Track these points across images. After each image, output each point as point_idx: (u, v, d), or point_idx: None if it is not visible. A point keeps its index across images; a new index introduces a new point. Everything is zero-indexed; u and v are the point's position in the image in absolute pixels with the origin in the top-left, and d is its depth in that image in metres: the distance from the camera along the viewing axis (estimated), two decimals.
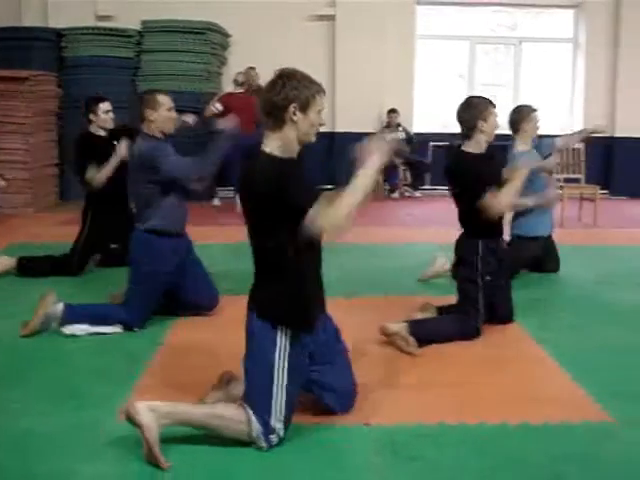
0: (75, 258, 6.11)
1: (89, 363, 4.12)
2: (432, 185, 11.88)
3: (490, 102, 4.69)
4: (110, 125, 6.28)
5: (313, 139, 3.10)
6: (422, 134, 11.77)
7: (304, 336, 3.11)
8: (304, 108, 2.97)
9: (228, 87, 10.92)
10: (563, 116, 12.43)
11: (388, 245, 7.57)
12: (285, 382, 3.03)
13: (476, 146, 4.65)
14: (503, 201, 4.51)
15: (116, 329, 4.59)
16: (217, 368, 3.90)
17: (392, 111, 11.37)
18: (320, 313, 3.27)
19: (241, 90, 10.15)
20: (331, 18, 11.64)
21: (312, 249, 3.10)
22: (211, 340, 4.44)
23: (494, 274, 4.56)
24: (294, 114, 2.96)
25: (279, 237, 2.98)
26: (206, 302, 5.04)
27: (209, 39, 10.82)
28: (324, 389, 3.27)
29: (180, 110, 10.06)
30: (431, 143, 11.75)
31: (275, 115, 2.98)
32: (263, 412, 3.00)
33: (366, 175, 2.97)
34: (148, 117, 4.80)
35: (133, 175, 4.84)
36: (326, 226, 2.89)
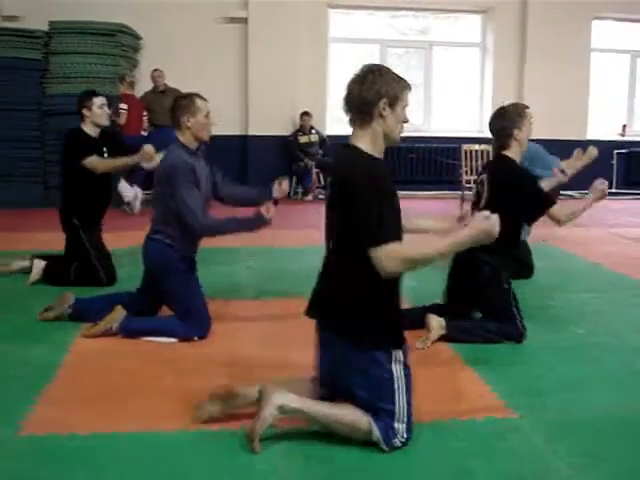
0: (101, 271, 5.82)
1: None
2: None
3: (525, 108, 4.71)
4: (106, 122, 5.94)
5: (398, 138, 3.08)
6: (335, 137, 11.84)
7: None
8: (393, 103, 2.96)
9: (139, 90, 10.80)
10: (473, 119, 12.72)
11: (301, 248, 7.58)
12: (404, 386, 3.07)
13: (516, 156, 4.63)
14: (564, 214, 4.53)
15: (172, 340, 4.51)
16: (128, 376, 3.90)
17: (305, 114, 11.43)
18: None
19: (131, 91, 10.11)
20: (243, 21, 11.62)
21: None
22: (120, 346, 4.39)
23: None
24: (384, 109, 2.95)
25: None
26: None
27: (120, 41, 10.66)
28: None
29: None
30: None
31: (365, 111, 2.96)
32: (386, 417, 3.04)
33: (453, 245, 2.95)
34: (184, 123, 4.53)
35: (158, 185, 4.60)
36: (393, 269, 2.88)
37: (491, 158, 4.73)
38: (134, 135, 9.70)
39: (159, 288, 4.63)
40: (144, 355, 4.26)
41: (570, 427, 3.36)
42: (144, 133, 10.28)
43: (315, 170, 11.57)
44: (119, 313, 4.56)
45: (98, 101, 5.85)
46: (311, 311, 3.23)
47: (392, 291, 3.05)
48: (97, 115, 5.83)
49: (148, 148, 5.82)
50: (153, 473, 2.92)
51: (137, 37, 11.22)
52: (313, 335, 3.24)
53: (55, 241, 6.14)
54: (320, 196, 11.73)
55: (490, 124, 4.72)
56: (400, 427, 3.07)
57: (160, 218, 4.58)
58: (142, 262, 4.70)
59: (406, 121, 3.07)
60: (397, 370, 3.06)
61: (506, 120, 4.62)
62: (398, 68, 11.27)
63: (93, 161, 5.78)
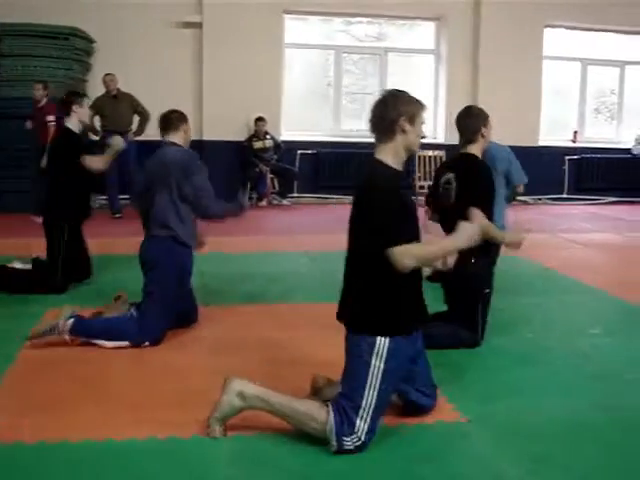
0: (58, 275, 5.81)
1: None
2: (300, 193, 12.00)
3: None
4: (87, 121, 6.28)
5: (417, 149, 3.52)
6: (290, 142, 11.87)
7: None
8: (412, 120, 3.35)
9: (93, 94, 10.68)
10: (427, 124, 12.78)
11: (256, 254, 7.58)
12: (379, 384, 3.15)
13: (478, 152, 4.75)
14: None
15: (121, 343, 4.48)
16: (77, 384, 3.86)
17: (259, 119, 11.41)
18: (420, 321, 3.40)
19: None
20: (198, 25, 11.58)
21: None
22: (68, 355, 4.34)
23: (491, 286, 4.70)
24: (405, 125, 3.31)
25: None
26: (193, 316, 5.01)
27: (72, 44, 10.55)
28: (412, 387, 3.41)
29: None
30: (299, 151, 11.87)
31: (387, 127, 3.32)
32: (349, 409, 3.12)
33: (453, 246, 3.36)
34: (183, 130, 4.91)
35: (158, 182, 4.71)
36: (406, 264, 3.13)
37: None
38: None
39: (147, 279, 4.70)
40: (93, 363, 4.21)
41: (519, 431, 3.40)
42: (95, 138, 10.14)
43: (270, 176, 11.55)
44: (66, 310, 4.52)
45: (85, 100, 6.17)
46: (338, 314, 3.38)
47: (400, 283, 3.23)
48: (84, 113, 6.11)
49: (116, 139, 6.15)
50: None
51: (90, 40, 11.10)
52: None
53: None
54: (274, 202, 11.74)
55: (459, 121, 4.80)
56: (361, 426, 3.10)
57: (161, 214, 4.67)
58: (140, 263, 4.73)
59: (424, 136, 3.51)
60: (375, 365, 3.13)
61: (475, 117, 4.77)
62: (353, 74, 11.30)
63: (94, 159, 5.98)
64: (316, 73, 13.10)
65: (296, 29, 12.61)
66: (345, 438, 3.09)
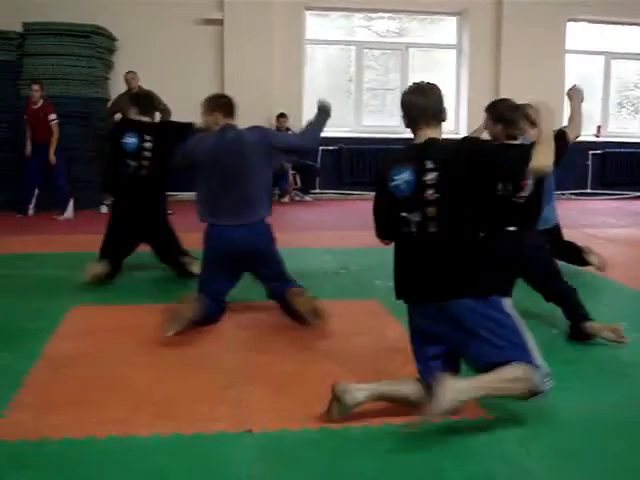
0: None
1: None
2: (322, 189, 12.00)
3: None
4: None
5: None
6: None
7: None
8: None
9: (115, 92, 10.74)
10: (449, 120, 12.72)
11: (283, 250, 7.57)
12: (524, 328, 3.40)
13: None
14: None
15: None
16: (101, 381, 3.88)
17: (281, 115, 11.42)
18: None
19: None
20: (219, 22, 11.60)
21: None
22: (92, 352, 4.36)
23: None
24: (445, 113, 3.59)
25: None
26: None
27: (95, 42, 10.61)
28: None
29: (65, 115, 10.00)
30: (321, 147, 11.85)
31: (441, 115, 3.54)
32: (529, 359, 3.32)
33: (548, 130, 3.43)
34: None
35: (252, 163, 4.78)
36: (549, 164, 3.36)
37: None
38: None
39: (260, 263, 4.88)
40: (117, 360, 4.23)
41: (545, 428, 3.37)
42: None
43: (292, 172, 11.56)
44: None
45: None
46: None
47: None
48: None
49: None
50: (127, 478, 2.90)
51: (112, 38, 11.16)
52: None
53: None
54: (296, 198, 11.75)
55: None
56: (540, 361, 3.34)
57: (254, 198, 4.78)
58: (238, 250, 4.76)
59: None
60: (512, 314, 3.42)
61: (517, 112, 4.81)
62: (374, 70, 11.25)
63: None
64: (337, 69, 13.08)
65: (317, 25, 12.61)
66: (545, 380, 3.30)
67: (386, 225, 3.57)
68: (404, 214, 3.39)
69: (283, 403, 3.61)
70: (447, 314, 3.36)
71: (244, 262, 4.85)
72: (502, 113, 4.77)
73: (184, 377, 3.96)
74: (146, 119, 6.10)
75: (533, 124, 4.55)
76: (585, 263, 6.27)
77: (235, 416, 3.44)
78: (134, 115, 6.09)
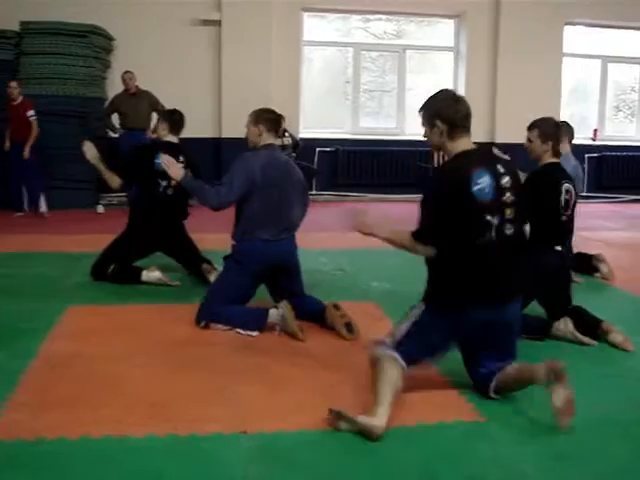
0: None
1: None
2: (318, 191, 11.99)
3: None
4: None
5: None
6: (308, 140, 11.86)
7: None
8: None
9: (112, 91, 10.74)
10: None
11: None
12: None
13: None
14: None
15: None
16: (96, 380, 3.87)
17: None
18: None
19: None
20: (217, 23, 11.59)
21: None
22: (87, 351, 4.35)
23: None
24: None
25: None
26: None
27: (92, 42, 10.59)
28: None
29: (62, 114, 9.99)
30: (317, 149, 11.86)
31: None
32: None
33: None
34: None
35: (294, 185, 5.02)
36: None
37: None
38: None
39: (290, 274, 5.04)
40: (113, 360, 4.22)
41: (540, 430, 3.38)
42: (115, 135, 10.20)
43: None
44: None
45: None
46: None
47: None
48: None
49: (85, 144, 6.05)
50: (121, 479, 2.89)
51: (109, 38, 11.15)
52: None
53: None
54: None
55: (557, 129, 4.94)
56: None
57: (297, 216, 5.07)
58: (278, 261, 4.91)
59: None
60: None
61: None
62: (372, 71, 11.23)
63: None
64: (335, 71, 13.09)
65: (315, 27, 12.61)
66: None
67: (441, 230, 3.47)
68: (488, 217, 3.41)
69: (279, 404, 3.61)
70: (501, 317, 3.55)
71: (276, 275, 4.99)
72: (551, 131, 4.84)
73: (180, 377, 3.96)
74: (176, 139, 6.11)
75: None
76: (593, 270, 6.34)
77: (230, 417, 3.44)
78: (163, 132, 6.08)
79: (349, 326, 4.75)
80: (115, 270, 5.92)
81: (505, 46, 12.33)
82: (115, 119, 10.31)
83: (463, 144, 3.52)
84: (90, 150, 5.97)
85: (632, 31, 13.32)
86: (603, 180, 12.95)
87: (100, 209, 10.16)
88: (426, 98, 3.66)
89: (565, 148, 6.14)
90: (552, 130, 4.87)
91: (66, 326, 4.87)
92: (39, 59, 10.35)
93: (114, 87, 10.76)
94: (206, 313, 4.80)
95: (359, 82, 12.83)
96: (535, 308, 4.85)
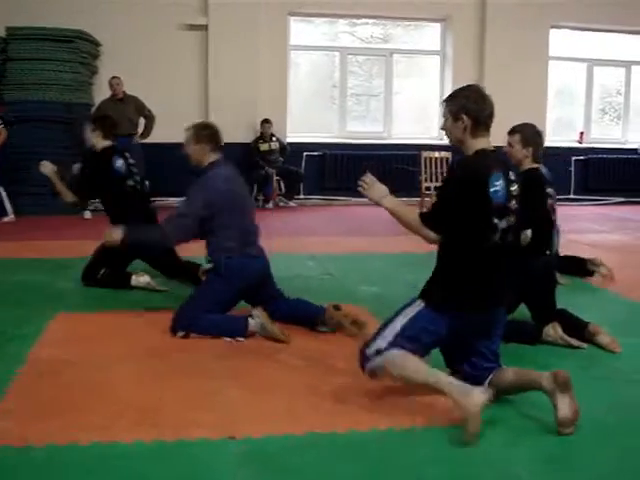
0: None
1: None
2: (306, 195, 12.00)
3: None
4: None
5: None
6: (296, 144, 11.87)
7: None
8: None
9: (99, 97, 10.71)
10: (433, 126, 12.78)
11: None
12: None
13: None
14: None
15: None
16: (85, 387, 3.86)
17: (265, 121, 11.42)
18: None
19: None
20: (203, 28, 11.59)
21: None
22: (75, 358, 4.33)
23: None
24: None
25: None
26: None
27: (78, 47, 10.56)
28: None
29: (48, 120, 9.95)
30: (305, 153, 11.87)
31: None
32: None
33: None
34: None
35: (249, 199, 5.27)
36: None
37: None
38: None
39: (268, 282, 5.07)
40: (101, 366, 4.20)
41: (532, 432, 3.37)
42: None
43: (276, 178, 11.55)
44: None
45: None
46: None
47: None
48: None
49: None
50: None
51: (96, 43, 11.12)
52: None
53: None
54: (281, 203, 11.74)
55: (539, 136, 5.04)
56: None
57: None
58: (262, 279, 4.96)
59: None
60: None
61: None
62: (359, 75, 11.25)
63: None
64: (321, 75, 13.10)
65: (301, 31, 12.62)
66: None
67: (451, 219, 3.47)
68: (496, 221, 3.42)
69: (267, 409, 3.60)
70: (489, 321, 3.59)
71: (257, 288, 4.98)
72: (532, 136, 4.92)
73: (168, 383, 3.94)
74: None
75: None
76: (586, 274, 6.35)
77: (218, 422, 3.42)
78: (97, 139, 6.16)
79: (357, 323, 4.77)
80: (105, 274, 5.92)
81: (491, 49, 12.38)
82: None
83: (483, 142, 3.52)
84: (46, 167, 6.17)
85: (617, 34, 13.39)
86: (589, 182, 13.00)
87: (87, 215, 10.12)
88: (453, 91, 3.67)
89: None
90: (533, 136, 4.91)
91: (54, 333, 4.84)
92: (25, 65, 10.31)
93: (101, 93, 10.75)
94: (184, 322, 4.73)
95: (346, 86, 12.85)
96: (524, 312, 4.86)
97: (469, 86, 3.67)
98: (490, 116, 3.54)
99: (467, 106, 3.49)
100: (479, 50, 12.51)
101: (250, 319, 4.71)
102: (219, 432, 3.31)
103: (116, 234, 4.89)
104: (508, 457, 3.16)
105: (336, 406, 3.62)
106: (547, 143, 12.49)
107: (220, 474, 2.97)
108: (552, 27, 12.77)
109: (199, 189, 4.79)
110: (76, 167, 5.94)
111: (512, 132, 4.92)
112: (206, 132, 4.99)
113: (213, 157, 4.93)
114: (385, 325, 3.61)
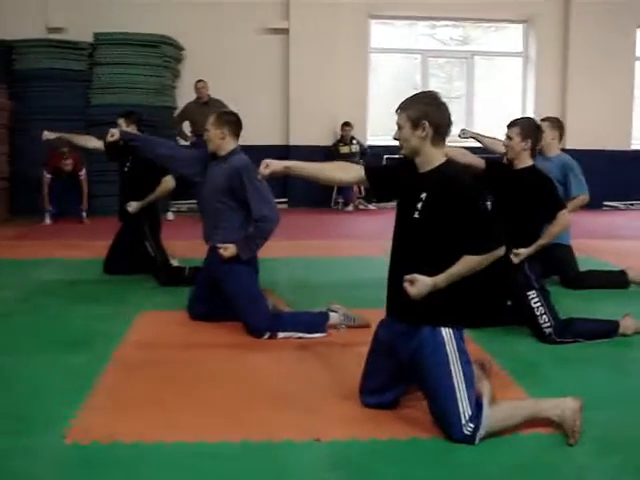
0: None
1: (31, 382, 3.98)
2: None
3: None
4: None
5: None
6: (376, 147, 11.85)
7: None
8: None
9: (182, 100, 10.90)
10: None
11: (342, 258, 7.58)
12: None
13: None
14: None
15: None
16: (171, 385, 3.91)
17: (346, 124, 11.43)
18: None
19: None
20: (285, 31, 11.68)
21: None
22: (163, 356, 4.41)
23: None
24: None
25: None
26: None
27: (162, 52, 10.79)
28: None
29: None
30: (385, 156, 11.83)
31: None
32: None
33: None
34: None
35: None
36: None
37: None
38: None
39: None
40: (187, 364, 4.26)
41: (618, 444, 3.28)
42: (185, 143, 10.36)
43: None
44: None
45: None
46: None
47: None
48: None
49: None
50: None
51: (179, 48, 11.33)
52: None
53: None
54: (360, 206, 11.74)
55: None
56: None
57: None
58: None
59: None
60: None
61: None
62: (439, 78, 11.18)
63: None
64: (402, 77, 13.05)
65: (382, 33, 12.59)
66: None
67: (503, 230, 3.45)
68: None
69: (352, 412, 3.58)
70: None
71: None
72: (532, 130, 4.81)
73: (254, 384, 3.96)
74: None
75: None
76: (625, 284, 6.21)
77: (304, 424, 3.42)
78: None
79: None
80: (192, 272, 6.01)
81: (575, 51, 12.15)
82: (186, 127, 10.47)
83: (442, 152, 3.39)
84: (47, 135, 6.69)
85: None
86: None
87: (170, 216, 10.30)
88: (407, 98, 3.51)
89: (553, 149, 6.13)
90: (532, 129, 4.81)
91: (140, 330, 4.94)
92: (111, 69, 10.59)
93: (183, 96, 10.93)
94: (265, 323, 4.76)
95: (428, 89, 12.72)
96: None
97: (427, 92, 3.56)
98: (450, 125, 3.39)
99: (429, 113, 3.35)
100: (563, 51, 12.28)
101: (332, 313, 4.75)
102: (304, 434, 3.31)
103: (230, 251, 4.81)
104: (596, 468, 3.06)
105: (416, 413, 3.57)
106: (634, 146, 12.34)
107: (308, 476, 2.97)
108: (639, 27, 12.45)
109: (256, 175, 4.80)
110: (116, 131, 5.79)
111: (512, 125, 4.87)
112: (227, 118, 5.01)
113: (233, 145, 4.95)
114: (446, 399, 3.27)
